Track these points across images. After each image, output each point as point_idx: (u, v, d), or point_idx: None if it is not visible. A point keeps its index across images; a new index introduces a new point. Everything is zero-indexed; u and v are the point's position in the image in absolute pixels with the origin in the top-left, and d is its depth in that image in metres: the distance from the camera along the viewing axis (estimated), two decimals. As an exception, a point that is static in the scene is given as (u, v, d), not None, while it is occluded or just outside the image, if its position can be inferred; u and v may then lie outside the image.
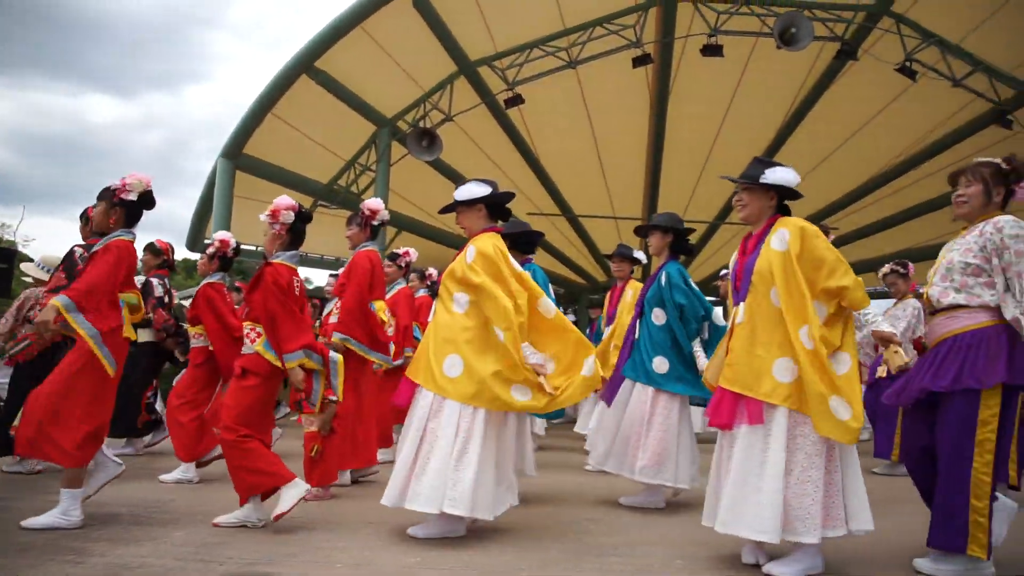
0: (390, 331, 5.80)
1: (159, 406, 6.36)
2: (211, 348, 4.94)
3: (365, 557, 3.09)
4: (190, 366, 5.05)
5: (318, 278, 28.60)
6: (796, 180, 3.15)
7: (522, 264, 4.02)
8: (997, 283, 2.96)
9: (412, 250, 6.43)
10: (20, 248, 18.29)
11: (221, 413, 3.61)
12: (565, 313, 11.72)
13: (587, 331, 10.40)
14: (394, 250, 6.36)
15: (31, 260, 5.55)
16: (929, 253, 5.86)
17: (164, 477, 4.75)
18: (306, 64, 10.77)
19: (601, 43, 11.01)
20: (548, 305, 3.66)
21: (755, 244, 3.20)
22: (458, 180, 13.82)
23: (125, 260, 3.59)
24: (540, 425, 6.04)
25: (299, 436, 4.46)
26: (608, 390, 4.57)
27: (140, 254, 5.50)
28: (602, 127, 13.32)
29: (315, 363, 3.67)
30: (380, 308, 5.01)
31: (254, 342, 3.64)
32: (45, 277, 5.01)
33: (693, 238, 5.12)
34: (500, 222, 3.81)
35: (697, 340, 4.39)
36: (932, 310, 3.15)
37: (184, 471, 4.76)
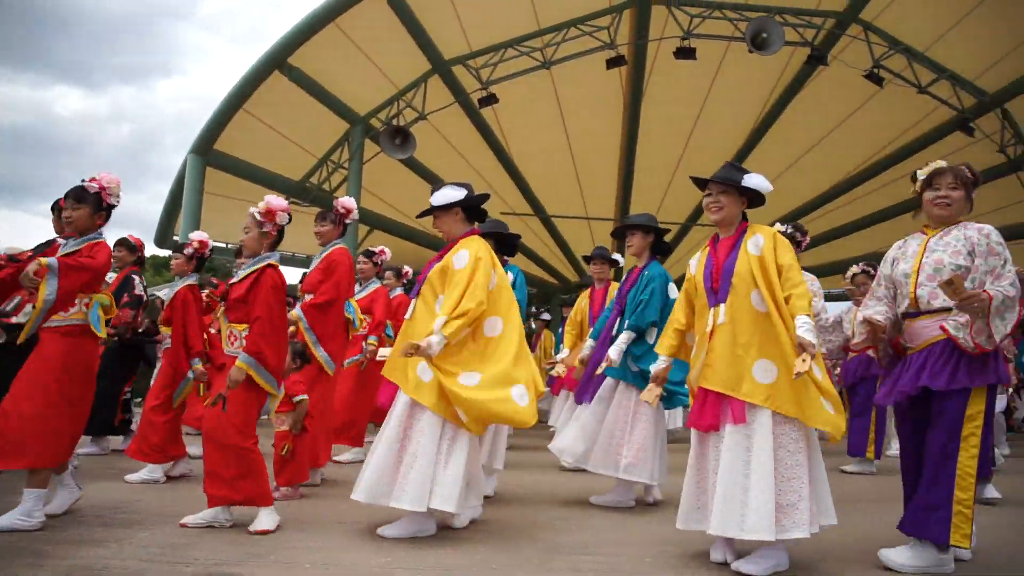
0: (361, 330, 5.81)
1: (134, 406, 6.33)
2: None
3: (335, 558, 3.06)
4: (165, 366, 5.01)
5: (289, 276, 28.33)
6: (769, 188, 3.22)
7: (502, 266, 4.03)
8: (975, 286, 3.04)
9: (386, 248, 6.43)
10: (-19, 243, 17.81)
11: (235, 420, 3.43)
12: (539, 314, 11.78)
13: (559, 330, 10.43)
14: (369, 248, 6.36)
15: None
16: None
17: (130, 477, 4.67)
18: (279, 60, 10.67)
19: (575, 44, 11.06)
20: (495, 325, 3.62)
21: (730, 247, 3.24)
22: (431, 179, 13.79)
23: (108, 263, 3.65)
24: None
25: (270, 435, 4.41)
26: (584, 389, 4.57)
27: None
28: (576, 128, 13.38)
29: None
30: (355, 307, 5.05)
31: (233, 343, 3.61)
32: None
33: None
34: (476, 223, 3.83)
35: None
36: (916, 311, 3.16)
37: (151, 471, 4.69)
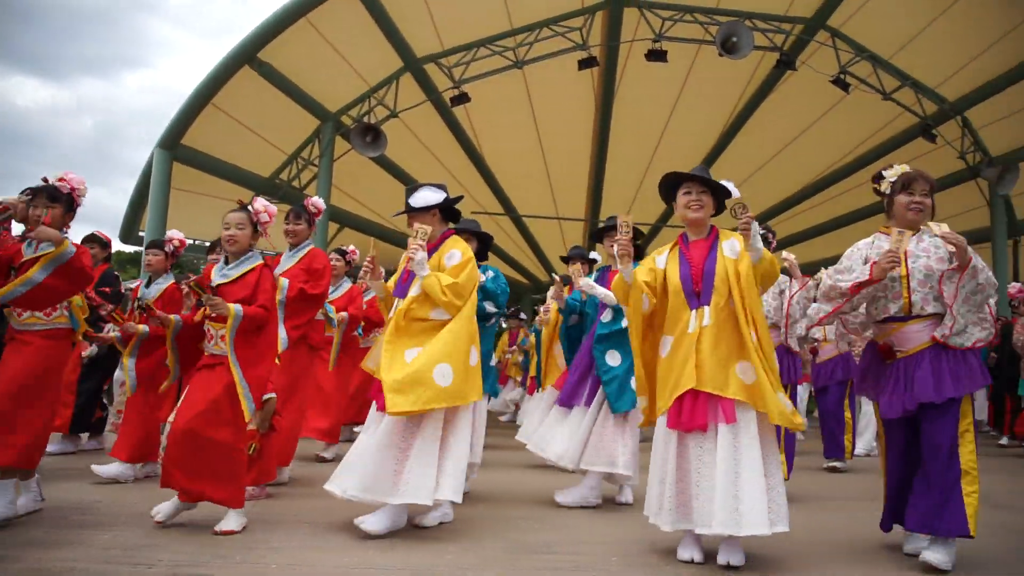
0: (330, 332, 5.81)
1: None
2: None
3: (301, 557, 3.04)
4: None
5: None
6: (738, 195, 3.30)
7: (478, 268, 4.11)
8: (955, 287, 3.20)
9: (356, 248, 6.42)
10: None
11: (236, 421, 3.44)
12: (516, 313, 11.79)
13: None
14: (341, 246, 6.34)
15: None
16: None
17: (99, 469, 4.57)
18: (249, 54, 10.53)
19: (548, 44, 11.09)
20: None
21: (707, 250, 3.29)
22: (403, 177, 13.74)
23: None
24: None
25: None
26: (573, 393, 4.53)
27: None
28: (547, 128, 13.42)
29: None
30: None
31: (210, 342, 3.56)
32: None
33: (636, 240, 5.22)
34: (450, 224, 3.94)
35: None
36: (907, 315, 3.27)
37: (124, 468, 4.64)
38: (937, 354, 3.20)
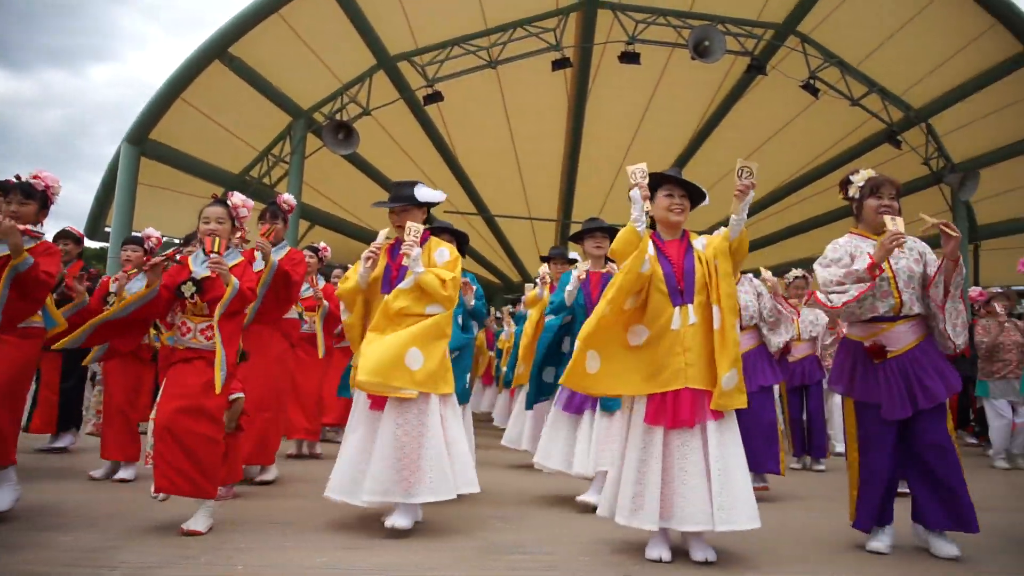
0: (305, 327, 5.81)
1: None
2: (155, 346, 4.93)
3: (269, 558, 3.01)
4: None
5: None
6: (707, 202, 3.42)
7: None
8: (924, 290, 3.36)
9: (328, 246, 6.40)
10: None
11: (215, 415, 3.45)
12: (490, 313, 11.73)
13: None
14: (313, 244, 6.30)
15: None
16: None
17: (95, 473, 4.69)
18: (220, 49, 10.39)
19: (522, 44, 11.09)
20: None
21: (683, 251, 3.34)
22: (375, 175, 13.66)
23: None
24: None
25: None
26: (580, 397, 4.43)
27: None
28: (520, 128, 13.43)
29: None
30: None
31: (186, 335, 3.52)
32: None
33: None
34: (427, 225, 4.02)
35: None
36: (897, 315, 3.37)
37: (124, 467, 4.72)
38: (927, 353, 3.34)
